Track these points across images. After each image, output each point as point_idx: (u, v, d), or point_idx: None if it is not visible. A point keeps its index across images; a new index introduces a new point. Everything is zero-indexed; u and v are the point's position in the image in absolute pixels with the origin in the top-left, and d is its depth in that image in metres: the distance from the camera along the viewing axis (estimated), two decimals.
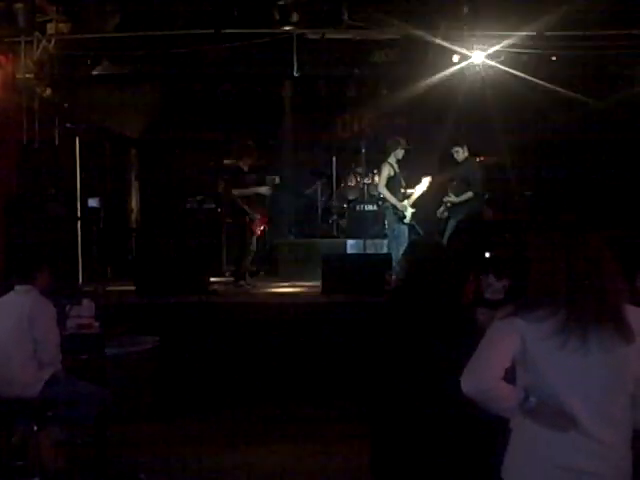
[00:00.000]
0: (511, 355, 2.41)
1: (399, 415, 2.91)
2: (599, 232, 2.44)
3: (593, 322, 2.33)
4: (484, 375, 2.39)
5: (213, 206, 10.91)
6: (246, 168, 9.20)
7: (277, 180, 10.32)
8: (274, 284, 9.67)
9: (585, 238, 2.43)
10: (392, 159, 9.14)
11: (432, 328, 2.90)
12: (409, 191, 9.22)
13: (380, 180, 9.19)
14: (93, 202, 9.25)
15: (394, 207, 9.05)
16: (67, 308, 5.83)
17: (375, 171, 10.17)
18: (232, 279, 9.39)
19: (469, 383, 2.39)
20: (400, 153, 9.13)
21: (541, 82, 9.17)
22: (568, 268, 2.38)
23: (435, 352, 2.83)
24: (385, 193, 9.08)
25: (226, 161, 10.39)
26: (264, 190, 9.28)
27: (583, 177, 10.40)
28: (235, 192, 9.00)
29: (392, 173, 9.10)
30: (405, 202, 9.10)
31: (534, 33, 8.38)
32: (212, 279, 8.98)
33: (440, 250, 3.28)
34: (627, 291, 2.42)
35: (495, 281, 5.74)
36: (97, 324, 5.87)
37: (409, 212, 9.08)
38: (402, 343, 2.94)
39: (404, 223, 9.08)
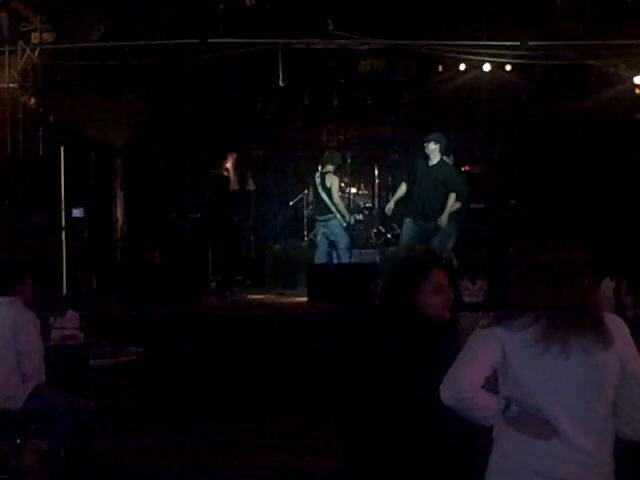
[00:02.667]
0: (491, 364, 2.42)
1: (372, 426, 2.88)
2: (578, 241, 2.47)
3: (573, 329, 2.35)
4: (463, 383, 2.39)
5: (199, 216, 10.89)
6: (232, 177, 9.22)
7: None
8: (260, 294, 9.65)
9: (564, 247, 2.45)
10: (332, 168, 9.29)
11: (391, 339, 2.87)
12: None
13: (334, 192, 9.31)
14: (77, 212, 9.19)
15: (343, 217, 9.28)
16: (51, 319, 5.79)
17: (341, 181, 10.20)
18: (218, 289, 9.37)
19: (448, 391, 2.40)
20: (338, 163, 9.43)
21: (525, 90, 9.26)
22: (548, 277, 2.40)
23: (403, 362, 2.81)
24: (342, 206, 9.30)
25: (213, 171, 10.39)
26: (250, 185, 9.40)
27: (568, 185, 10.45)
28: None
29: (337, 184, 9.35)
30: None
31: (517, 43, 8.45)
32: (198, 289, 8.95)
33: (407, 262, 3.21)
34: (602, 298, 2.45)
35: (470, 284, 5.80)
36: (81, 335, 5.83)
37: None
38: (371, 356, 2.92)
39: (347, 232, 9.33)
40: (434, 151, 8.44)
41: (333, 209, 9.25)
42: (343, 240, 9.30)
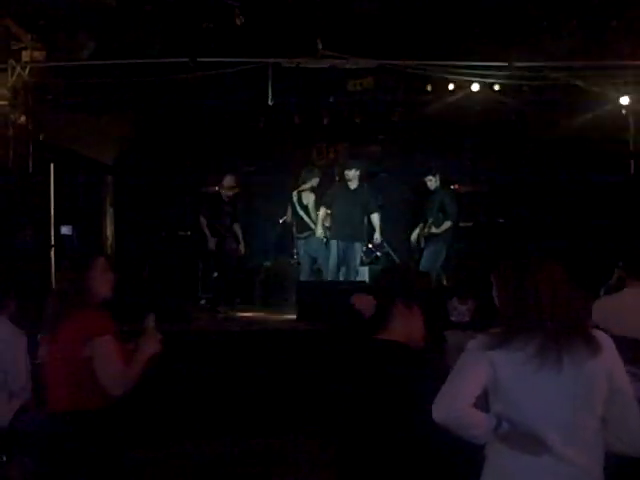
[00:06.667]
0: (482, 383, 2.44)
1: (365, 443, 2.89)
2: (557, 261, 2.50)
3: (566, 343, 2.39)
4: (454, 402, 2.42)
5: (189, 233, 10.87)
6: (226, 198, 9.26)
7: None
8: (250, 311, 9.64)
9: (540, 267, 2.49)
10: (309, 186, 9.35)
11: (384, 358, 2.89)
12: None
13: (311, 209, 9.44)
14: (66, 230, 9.16)
15: (322, 233, 9.37)
16: (38, 336, 5.75)
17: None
18: (208, 306, 9.36)
19: (439, 410, 2.42)
20: (316, 181, 9.45)
21: (513, 109, 9.33)
22: (517, 293, 2.45)
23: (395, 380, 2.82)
24: (320, 222, 9.33)
25: (207, 189, 10.43)
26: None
27: (556, 205, 10.51)
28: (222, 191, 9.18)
29: (313, 201, 9.47)
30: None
31: (505, 64, 8.52)
32: (187, 307, 8.93)
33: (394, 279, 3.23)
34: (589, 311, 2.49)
35: (458, 304, 5.78)
36: None
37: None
38: (363, 373, 2.94)
39: (327, 248, 9.33)
40: (354, 177, 8.99)
41: (312, 226, 9.32)
42: (324, 256, 9.32)
